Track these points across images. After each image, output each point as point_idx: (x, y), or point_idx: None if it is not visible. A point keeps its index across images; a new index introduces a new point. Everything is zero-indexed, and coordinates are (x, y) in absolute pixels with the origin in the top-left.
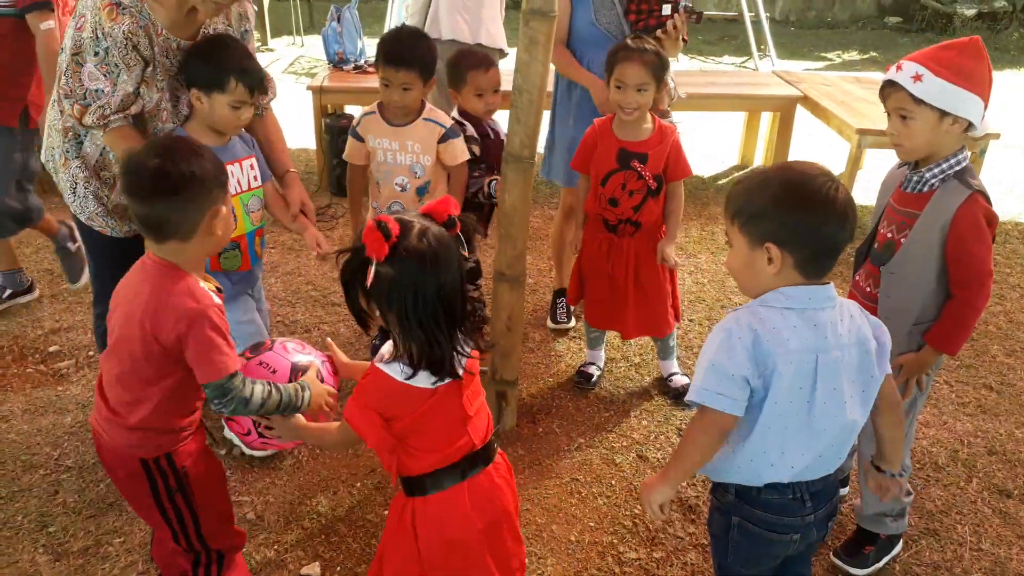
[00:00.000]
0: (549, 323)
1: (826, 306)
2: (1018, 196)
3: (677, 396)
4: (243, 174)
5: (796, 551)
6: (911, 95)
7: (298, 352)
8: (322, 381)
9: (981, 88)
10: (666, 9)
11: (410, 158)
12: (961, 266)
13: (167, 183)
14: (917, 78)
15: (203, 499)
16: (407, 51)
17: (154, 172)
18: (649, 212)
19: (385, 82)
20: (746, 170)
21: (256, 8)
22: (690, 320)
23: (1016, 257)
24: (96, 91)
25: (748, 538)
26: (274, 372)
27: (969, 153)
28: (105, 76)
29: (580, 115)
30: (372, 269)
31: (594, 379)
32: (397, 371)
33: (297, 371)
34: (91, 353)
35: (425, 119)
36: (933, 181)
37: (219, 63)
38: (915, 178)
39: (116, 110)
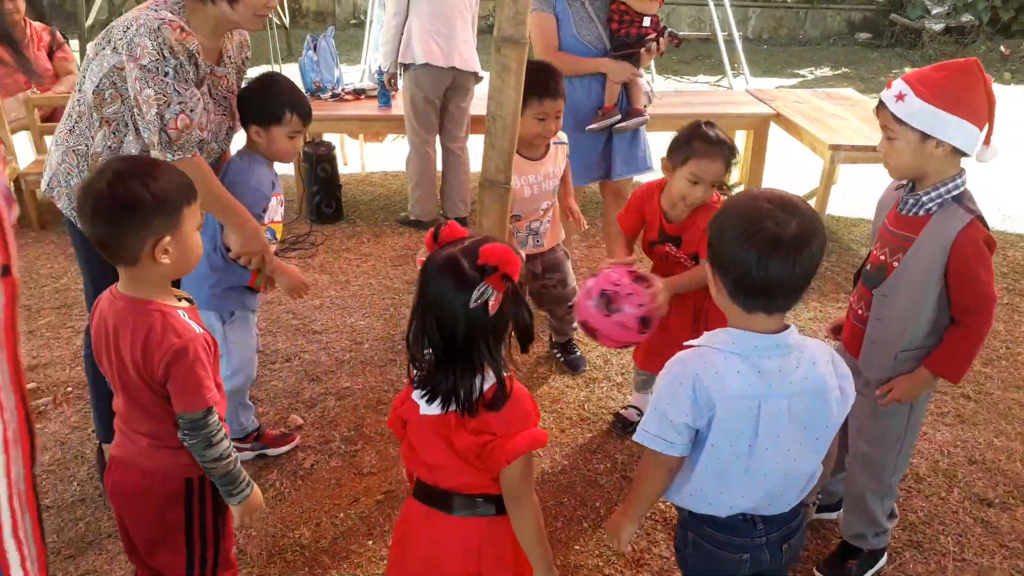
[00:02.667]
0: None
1: (773, 354)
2: (993, 207)
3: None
4: (280, 207)
5: (751, 571)
6: (892, 115)
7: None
8: None
9: (971, 112)
10: (646, 21)
11: (552, 183)
12: (966, 292)
13: (102, 207)
14: (900, 97)
15: (229, 521)
16: (556, 82)
17: (95, 194)
18: None
19: (541, 116)
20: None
21: None
22: None
23: None
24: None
25: (699, 554)
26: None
27: (966, 177)
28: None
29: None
30: None
31: (632, 426)
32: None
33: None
34: (69, 389)
35: (554, 142)
36: (931, 205)
37: (274, 99)
38: (911, 201)
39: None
